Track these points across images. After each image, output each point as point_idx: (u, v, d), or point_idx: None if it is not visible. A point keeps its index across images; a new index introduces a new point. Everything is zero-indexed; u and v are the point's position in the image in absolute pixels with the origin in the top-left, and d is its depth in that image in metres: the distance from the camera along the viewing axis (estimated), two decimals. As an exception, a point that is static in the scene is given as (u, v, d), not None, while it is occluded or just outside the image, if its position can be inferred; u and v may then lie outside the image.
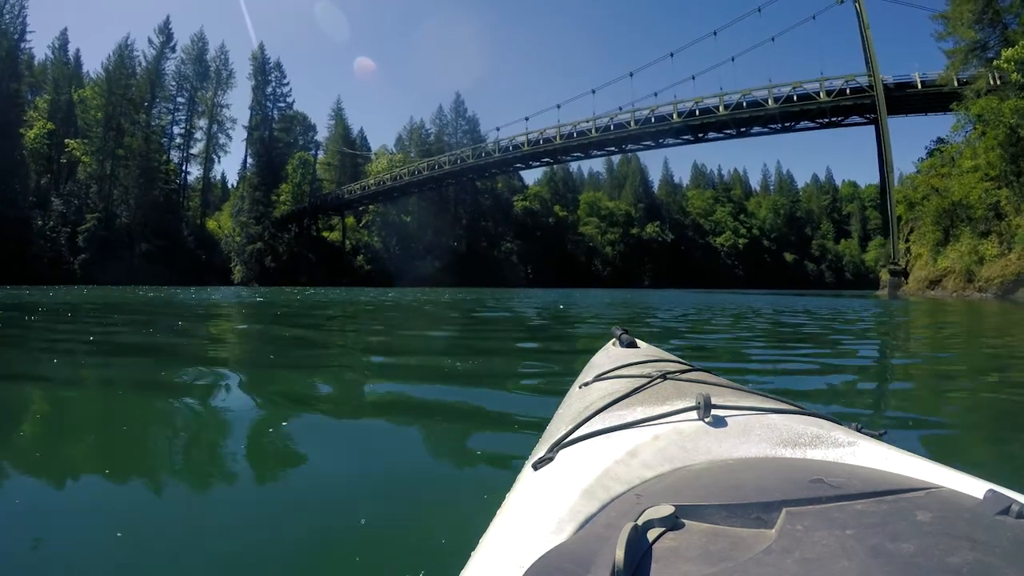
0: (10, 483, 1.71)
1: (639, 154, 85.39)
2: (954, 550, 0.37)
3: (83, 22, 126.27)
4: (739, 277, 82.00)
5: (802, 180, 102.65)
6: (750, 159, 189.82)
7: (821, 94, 34.98)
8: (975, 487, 0.51)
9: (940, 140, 34.94)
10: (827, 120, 36.39)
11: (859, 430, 0.71)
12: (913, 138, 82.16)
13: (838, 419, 0.75)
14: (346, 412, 2.73)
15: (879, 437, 0.70)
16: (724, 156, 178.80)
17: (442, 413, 2.59)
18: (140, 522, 1.41)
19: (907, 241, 32.89)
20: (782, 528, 0.43)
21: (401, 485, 1.70)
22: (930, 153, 34.87)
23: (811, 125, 37.47)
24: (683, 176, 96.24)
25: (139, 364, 4.15)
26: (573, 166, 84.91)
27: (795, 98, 35.81)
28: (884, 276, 34.04)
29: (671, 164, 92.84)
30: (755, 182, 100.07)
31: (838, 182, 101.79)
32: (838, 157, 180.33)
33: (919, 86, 33.15)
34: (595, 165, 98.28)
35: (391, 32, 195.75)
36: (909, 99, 33.61)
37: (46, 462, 1.83)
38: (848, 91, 34.35)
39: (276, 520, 1.45)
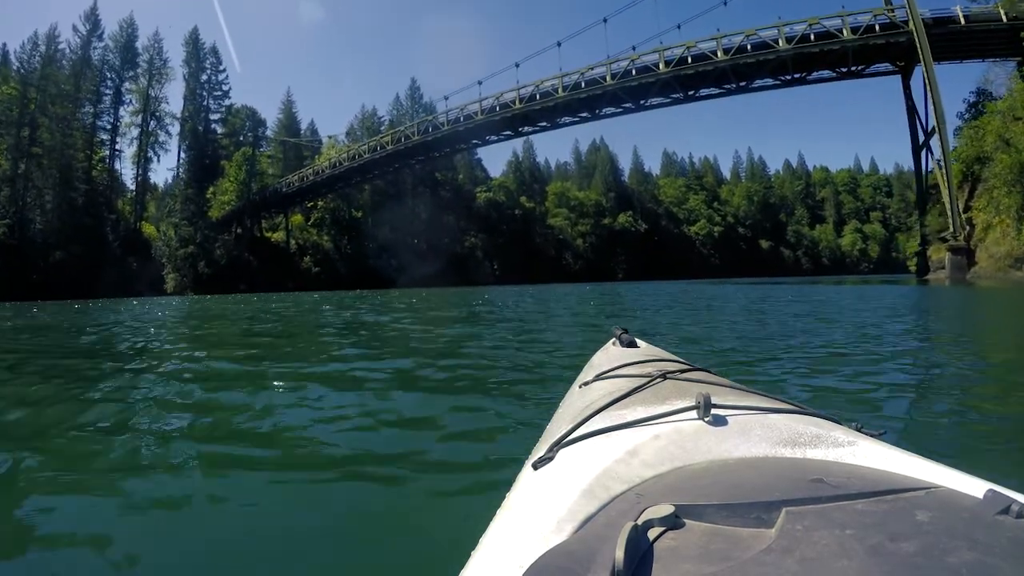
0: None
1: (608, 142, 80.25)
2: (954, 550, 0.37)
3: (14, 17, 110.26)
4: (716, 266, 78.18)
5: (774, 166, 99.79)
6: (720, 147, 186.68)
7: (845, 31, 28.40)
8: (975, 487, 0.51)
9: (981, 93, 29.26)
10: (848, 69, 30.05)
11: (859, 430, 0.71)
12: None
13: (838, 419, 0.75)
14: (346, 415, 2.70)
15: (879, 437, 0.70)
16: (694, 144, 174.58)
17: (441, 414, 2.59)
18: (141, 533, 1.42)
19: (966, 211, 26.45)
20: (782, 528, 0.42)
21: (402, 486, 1.69)
22: (971, 105, 29.11)
23: (828, 75, 31.01)
24: (653, 165, 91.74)
25: None
26: (540, 156, 79.46)
27: (812, 37, 28.96)
28: (936, 255, 27.16)
29: (641, 152, 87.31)
30: (726, 169, 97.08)
31: (810, 167, 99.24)
32: (809, 144, 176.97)
33: (962, 22, 27.03)
34: (562, 155, 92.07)
35: (355, 22, 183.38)
36: (951, 38, 27.31)
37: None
38: (878, 27, 28.00)
39: (278, 519, 1.46)
